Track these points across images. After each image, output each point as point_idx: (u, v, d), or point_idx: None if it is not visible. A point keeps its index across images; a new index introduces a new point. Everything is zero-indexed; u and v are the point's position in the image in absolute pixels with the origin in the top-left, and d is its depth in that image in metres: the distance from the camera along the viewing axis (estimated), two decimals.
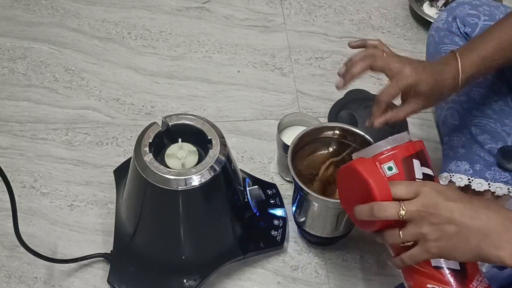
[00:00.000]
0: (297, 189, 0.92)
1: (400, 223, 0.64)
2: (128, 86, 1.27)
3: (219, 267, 0.95)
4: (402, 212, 0.62)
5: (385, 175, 0.66)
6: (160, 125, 0.87)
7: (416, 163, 0.67)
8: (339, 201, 0.93)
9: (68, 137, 1.18)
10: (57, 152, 1.15)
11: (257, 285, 0.99)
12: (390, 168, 0.66)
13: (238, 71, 1.31)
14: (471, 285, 0.66)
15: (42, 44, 1.34)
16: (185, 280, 0.93)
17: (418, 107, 0.82)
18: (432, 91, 0.80)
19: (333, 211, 0.91)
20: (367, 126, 0.84)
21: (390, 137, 0.68)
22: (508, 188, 0.91)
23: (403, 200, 0.63)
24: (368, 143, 0.91)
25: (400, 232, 0.64)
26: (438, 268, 0.66)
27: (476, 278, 0.67)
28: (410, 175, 0.67)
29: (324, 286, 1.00)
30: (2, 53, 1.32)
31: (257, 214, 0.99)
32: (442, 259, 0.66)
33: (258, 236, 0.99)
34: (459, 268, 0.66)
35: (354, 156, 0.71)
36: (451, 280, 0.66)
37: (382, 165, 0.66)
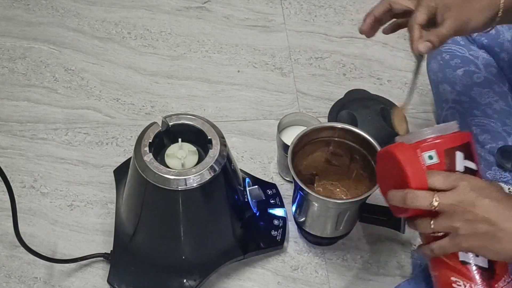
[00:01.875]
0: (297, 189, 0.92)
1: (433, 213, 0.62)
2: (128, 86, 1.27)
3: (219, 267, 0.95)
4: (435, 203, 0.61)
5: (424, 164, 0.64)
6: (160, 125, 0.87)
7: (459, 155, 0.66)
8: (339, 201, 0.95)
9: (68, 137, 1.18)
10: (57, 152, 1.15)
11: (257, 285, 0.99)
12: (430, 157, 0.65)
13: (238, 71, 1.31)
14: (496, 285, 0.65)
15: (42, 44, 1.34)
16: (185, 280, 0.93)
17: (455, 22, 0.70)
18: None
19: (333, 211, 0.91)
20: (414, 50, 0.71)
21: (437, 125, 0.67)
22: (509, 188, 0.90)
23: (438, 191, 0.61)
24: (368, 143, 0.91)
25: (432, 222, 0.63)
26: (465, 263, 0.65)
27: (503, 278, 0.65)
28: (450, 167, 0.65)
29: (324, 286, 1.00)
30: (2, 53, 1.32)
31: (257, 214, 0.99)
32: (471, 255, 0.65)
33: (258, 236, 0.99)
34: (487, 266, 0.65)
35: (396, 139, 0.69)
36: (477, 277, 0.65)
37: (423, 153, 0.65)
